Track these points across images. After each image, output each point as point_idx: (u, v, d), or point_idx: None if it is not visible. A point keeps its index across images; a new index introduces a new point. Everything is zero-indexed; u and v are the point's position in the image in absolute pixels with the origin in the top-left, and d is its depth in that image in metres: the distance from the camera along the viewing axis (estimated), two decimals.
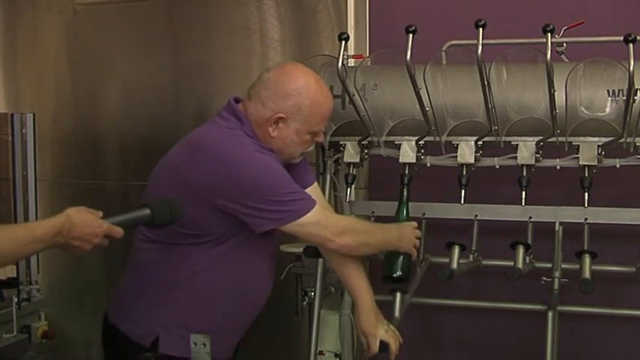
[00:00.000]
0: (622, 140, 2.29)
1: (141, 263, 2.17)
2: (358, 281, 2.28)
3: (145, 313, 2.11)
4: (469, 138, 2.42)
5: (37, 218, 2.92)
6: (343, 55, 2.29)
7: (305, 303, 2.74)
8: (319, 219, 2.09)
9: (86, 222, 1.73)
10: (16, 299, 2.80)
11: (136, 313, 2.13)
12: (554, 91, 2.18)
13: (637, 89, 2.19)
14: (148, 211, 1.83)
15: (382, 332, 2.24)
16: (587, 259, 2.41)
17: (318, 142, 2.21)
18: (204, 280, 2.10)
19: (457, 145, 2.44)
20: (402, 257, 2.31)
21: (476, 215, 2.55)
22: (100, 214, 1.78)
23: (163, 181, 2.11)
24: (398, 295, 2.34)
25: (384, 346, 2.22)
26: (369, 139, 2.52)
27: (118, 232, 1.78)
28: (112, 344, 2.19)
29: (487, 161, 2.45)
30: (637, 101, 2.22)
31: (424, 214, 2.60)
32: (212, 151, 2.05)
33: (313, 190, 2.27)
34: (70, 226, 1.71)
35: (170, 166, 2.12)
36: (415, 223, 2.32)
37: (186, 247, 2.08)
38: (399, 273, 2.31)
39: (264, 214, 2.03)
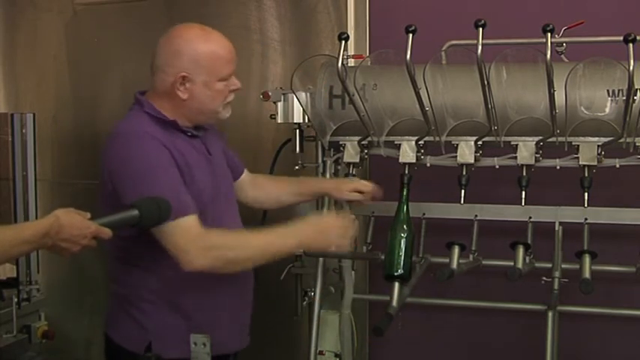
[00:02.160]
0: (622, 140, 2.29)
1: (116, 280, 2.16)
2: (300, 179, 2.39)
3: (134, 321, 2.10)
4: (469, 138, 2.42)
5: (36, 218, 2.92)
6: (343, 55, 2.28)
7: (305, 303, 2.74)
8: (183, 228, 1.95)
9: (74, 223, 1.72)
10: (16, 299, 2.80)
11: (127, 321, 2.11)
12: (554, 91, 2.18)
13: (637, 89, 2.19)
14: (136, 212, 1.82)
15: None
16: (587, 259, 2.41)
17: (235, 89, 2.16)
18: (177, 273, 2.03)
19: (457, 145, 2.44)
20: (403, 255, 2.31)
21: (476, 215, 2.56)
22: (88, 215, 1.77)
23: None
24: (396, 284, 2.33)
25: (379, 331, 2.21)
26: (369, 139, 2.52)
27: (106, 233, 1.77)
28: (109, 356, 2.19)
29: (487, 161, 2.45)
30: (637, 101, 2.22)
31: (424, 214, 2.60)
32: (114, 144, 2.06)
33: (246, 177, 2.39)
34: (59, 227, 1.70)
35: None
36: (340, 216, 2.17)
37: (145, 251, 2.05)
38: (400, 271, 2.32)
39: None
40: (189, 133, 2.12)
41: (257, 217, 2.85)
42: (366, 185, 2.43)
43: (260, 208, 2.55)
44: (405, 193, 2.39)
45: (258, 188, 2.45)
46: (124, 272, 2.12)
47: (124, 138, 2.05)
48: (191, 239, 1.95)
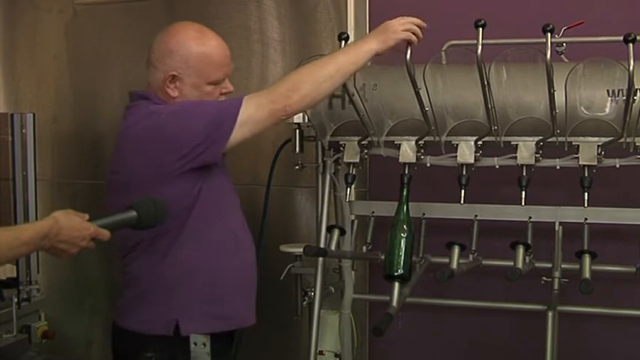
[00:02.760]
0: (622, 140, 2.29)
1: (133, 272, 2.17)
2: None
3: (155, 307, 2.12)
4: (469, 138, 2.42)
5: (36, 218, 2.92)
6: None
7: (305, 303, 2.74)
8: (257, 102, 2.04)
9: (73, 225, 1.72)
10: (16, 299, 2.80)
11: (146, 309, 2.13)
12: (554, 91, 2.18)
13: (637, 89, 2.19)
14: (134, 213, 1.82)
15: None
16: (587, 259, 2.41)
17: (226, 92, 2.18)
18: (197, 255, 2.11)
19: (457, 145, 2.43)
20: (403, 255, 2.31)
21: (476, 215, 2.56)
22: (87, 216, 1.77)
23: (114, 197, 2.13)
24: (396, 284, 2.33)
25: (378, 330, 2.21)
26: (369, 139, 2.52)
27: (105, 234, 1.77)
28: (121, 347, 2.20)
29: (487, 161, 2.45)
30: (637, 101, 2.22)
31: (424, 214, 2.60)
32: (128, 136, 2.09)
33: None
34: (58, 229, 1.70)
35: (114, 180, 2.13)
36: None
37: (165, 238, 2.09)
38: (400, 271, 2.31)
39: (207, 141, 2.01)
40: None
41: (257, 219, 2.86)
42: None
43: None
44: (405, 193, 2.39)
45: None
46: (141, 260, 2.13)
47: (145, 117, 2.06)
48: (262, 104, 2.03)
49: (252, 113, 2.02)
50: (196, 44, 2.10)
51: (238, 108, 2.02)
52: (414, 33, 2.13)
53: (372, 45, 2.13)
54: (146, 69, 2.17)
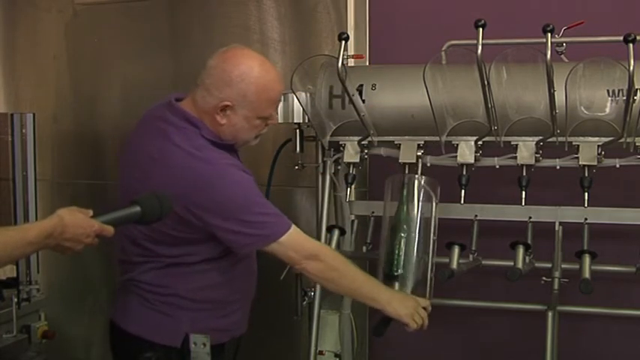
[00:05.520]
0: (622, 140, 2.29)
1: (145, 280, 2.16)
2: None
3: (166, 317, 2.12)
4: (469, 138, 2.42)
5: (36, 218, 2.92)
6: (343, 55, 2.28)
7: (305, 303, 2.74)
8: (292, 242, 2.10)
9: (78, 222, 1.72)
10: (16, 299, 2.80)
11: (156, 316, 2.13)
12: (554, 91, 2.18)
13: (637, 89, 2.19)
14: (138, 208, 1.81)
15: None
16: (587, 259, 2.41)
17: (272, 123, 2.20)
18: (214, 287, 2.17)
19: (457, 145, 2.44)
20: (402, 255, 2.31)
21: (476, 215, 2.56)
22: (90, 212, 1.77)
23: None
24: (396, 284, 2.33)
25: (378, 331, 2.22)
26: (369, 139, 2.52)
27: (110, 230, 1.77)
28: (125, 349, 2.19)
29: (487, 161, 2.45)
30: (637, 101, 2.22)
31: (424, 213, 2.60)
32: (182, 171, 2.03)
33: None
34: (63, 227, 1.70)
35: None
36: (428, 302, 2.26)
37: (185, 266, 2.12)
38: (400, 271, 2.31)
39: (239, 235, 2.05)
40: (237, 151, 2.18)
41: None
42: None
43: None
44: (404, 193, 2.39)
45: None
46: (159, 272, 2.14)
47: (208, 172, 2.03)
48: (304, 244, 2.14)
49: (291, 244, 2.09)
50: (257, 79, 2.06)
51: (285, 229, 2.09)
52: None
53: (394, 305, 2.19)
54: (195, 87, 2.11)
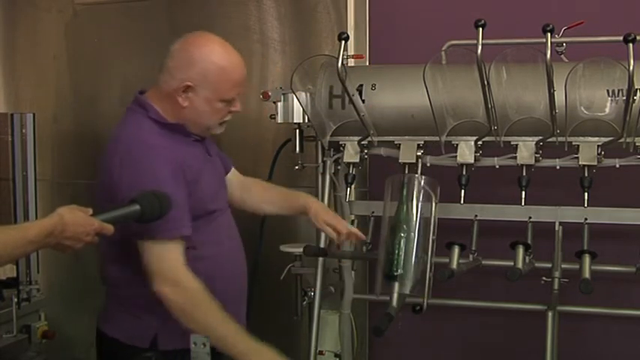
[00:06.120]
0: (622, 140, 2.29)
1: (113, 279, 2.14)
2: (288, 192, 2.34)
3: (136, 318, 2.09)
4: (469, 138, 2.42)
5: (37, 218, 2.92)
6: (343, 55, 2.28)
7: (305, 303, 2.75)
8: (163, 253, 1.96)
9: (78, 221, 1.72)
10: (16, 299, 2.80)
11: (127, 318, 2.11)
12: (554, 91, 2.18)
13: (637, 89, 2.19)
14: (137, 207, 1.81)
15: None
16: (587, 259, 2.41)
17: (235, 111, 2.14)
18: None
19: (457, 145, 2.44)
20: (402, 255, 2.31)
21: (476, 215, 2.56)
22: (90, 211, 1.77)
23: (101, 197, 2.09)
24: (396, 284, 2.33)
25: (378, 330, 2.21)
26: (369, 139, 2.52)
27: (109, 229, 1.77)
28: (104, 351, 2.18)
29: (487, 161, 2.45)
30: (637, 101, 2.23)
31: (424, 213, 2.60)
32: (118, 152, 2.02)
33: (234, 176, 2.34)
34: (63, 226, 1.70)
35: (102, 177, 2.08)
36: None
37: None
38: (400, 271, 2.31)
39: None
40: (194, 138, 2.12)
41: (257, 219, 2.86)
42: (344, 227, 2.27)
43: (242, 209, 2.43)
44: (404, 193, 2.39)
45: (246, 190, 2.40)
46: (124, 274, 2.11)
47: (130, 148, 2.02)
48: (168, 266, 1.95)
49: (160, 254, 1.96)
50: (218, 59, 2.07)
51: (169, 235, 1.96)
52: None
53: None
54: (159, 72, 2.11)
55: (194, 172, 2.06)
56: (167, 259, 1.97)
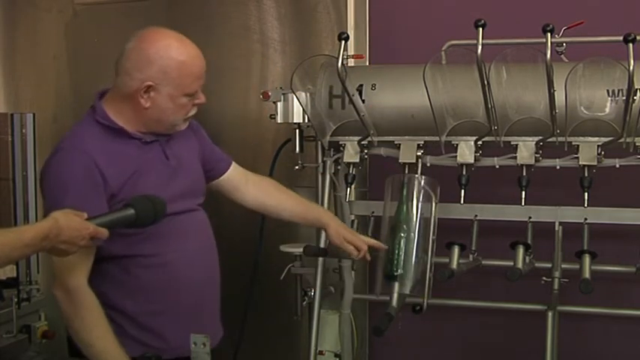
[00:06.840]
0: (622, 140, 2.29)
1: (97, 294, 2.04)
2: (308, 203, 2.33)
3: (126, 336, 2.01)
4: (469, 138, 2.42)
5: (36, 218, 2.92)
6: (343, 55, 2.29)
7: (305, 303, 2.74)
8: (68, 259, 1.85)
9: (73, 225, 1.71)
10: (16, 299, 2.80)
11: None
12: (554, 91, 2.18)
13: (637, 89, 2.19)
14: (132, 211, 1.81)
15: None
16: (587, 259, 2.41)
17: (199, 103, 2.07)
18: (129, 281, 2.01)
19: (457, 145, 2.44)
20: (402, 255, 2.31)
21: (476, 215, 2.56)
22: (85, 215, 1.76)
23: None
24: (396, 284, 2.33)
25: (378, 330, 2.21)
26: (369, 139, 2.52)
27: (104, 233, 1.76)
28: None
29: (487, 161, 2.45)
30: (637, 101, 2.23)
31: (424, 214, 2.60)
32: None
33: (234, 170, 2.28)
34: (58, 229, 1.69)
35: None
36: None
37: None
38: (400, 271, 2.31)
39: None
40: (142, 140, 2.04)
41: (257, 220, 2.86)
42: (363, 243, 2.27)
43: (256, 211, 2.40)
44: (404, 193, 2.39)
45: (266, 194, 2.34)
46: (100, 289, 2.00)
47: (56, 150, 1.99)
48: (67, 272, 1.91)
49: (63, 260, 1.87)
50: (177, 54, 1.98)
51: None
52: None
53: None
54: (116, 74, 2.06)
55: (134, 171, 1.99)
56: (68, 266, 1.90)
